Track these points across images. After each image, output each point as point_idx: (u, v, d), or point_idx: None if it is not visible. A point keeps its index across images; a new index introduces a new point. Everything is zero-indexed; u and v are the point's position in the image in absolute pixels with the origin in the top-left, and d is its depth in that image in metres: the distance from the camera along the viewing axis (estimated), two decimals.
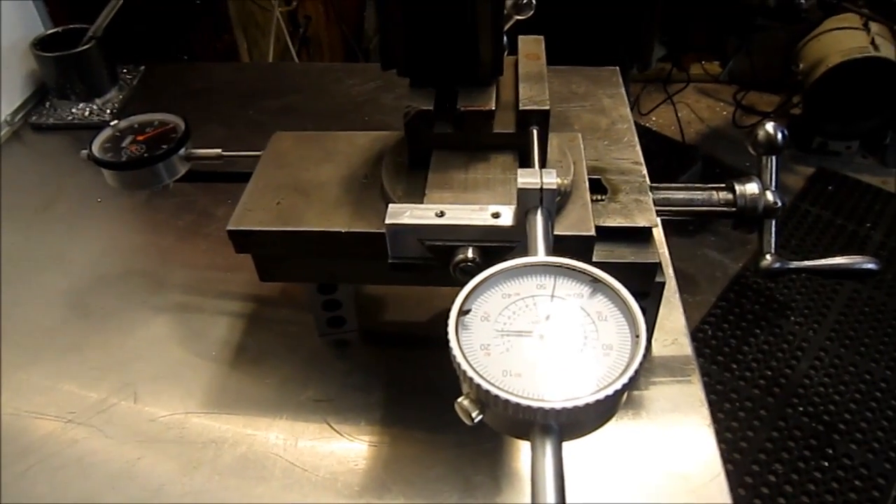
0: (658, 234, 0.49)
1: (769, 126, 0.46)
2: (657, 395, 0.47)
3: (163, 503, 0.42)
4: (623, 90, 0.78)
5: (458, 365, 0.25)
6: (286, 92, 0.80)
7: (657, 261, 0.43)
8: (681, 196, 0.46)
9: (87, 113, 0.74)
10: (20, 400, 0.49)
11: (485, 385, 0.24)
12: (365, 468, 0.44)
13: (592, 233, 0.42)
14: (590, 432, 0.26)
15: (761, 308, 1.95)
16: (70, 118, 0.74)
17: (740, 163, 2.30)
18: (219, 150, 0.53)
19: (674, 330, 0.52)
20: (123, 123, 0.54)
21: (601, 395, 0.24)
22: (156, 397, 0.49)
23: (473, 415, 0.25)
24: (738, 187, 0.45)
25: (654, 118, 2.41)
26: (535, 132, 0.41)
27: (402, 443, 0.45)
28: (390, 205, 0.37)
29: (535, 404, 0.24)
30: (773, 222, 0.46)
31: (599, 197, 0.47)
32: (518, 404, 0.24)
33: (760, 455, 1.56)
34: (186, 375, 0.50)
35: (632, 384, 0.24)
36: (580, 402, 0.24)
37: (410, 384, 0.49)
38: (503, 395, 0.24)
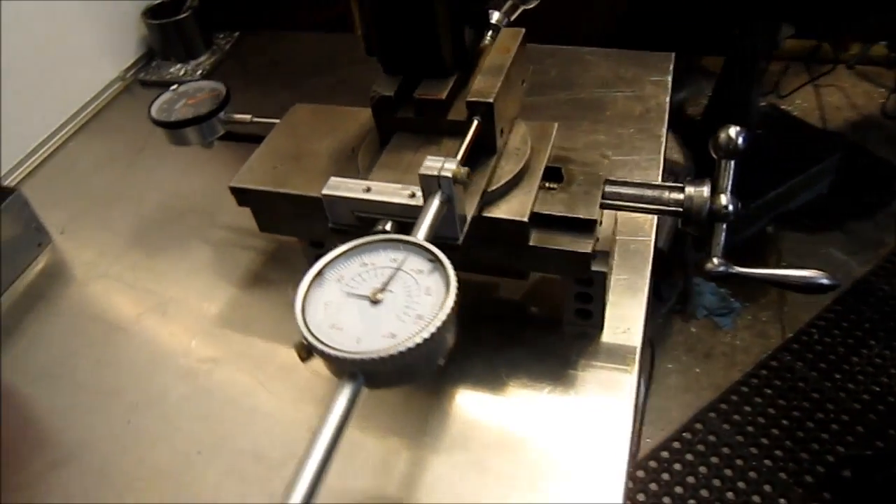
0: (611, 225, 0.50)
1: (731, 130, 0.46)
2: (590, 378, 0.50)
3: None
4: (669, 77, 0.77)
5: (295, 315, 0.31)
6: (356, 62, 0.87)
7: (589, 251, 0.46)
8: (631, 192, 0.48)
9: (181, 73, 0.86)
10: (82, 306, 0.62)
11: (305, 332, 0.30)
12: None
13: (525, 219, 0.45)
14: (392, 385, 0.31)
15: (882, 318, 1.78)
16: (168, 77, 0.86)
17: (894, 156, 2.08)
18: (250, 116, 0.62)
19: (630, 319, 0.54)
20: (182, 88, 0.64)
21: (387, 354, 0.29)
22: (180, 314, 0.60)
23: (303, 355, 0.31)
24: (688, 189, 0.46)
25: (798, 101, 2.22)
26: (475, 122, 0.45)
27: None
28: (331, 178, 0.43)
29: (336, 353, 0.29)
30: (724, 226, 0.46)
31: (553, 185, 0.50)
32: (322, 351, 0.30)
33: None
34: (211, 297, 0.60)
35: (413, 353, 0.29)
36: (369, 357, 0.29)
37: None
38: (315, 343, 0.30)
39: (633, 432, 0.47)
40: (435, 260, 0.33)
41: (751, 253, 1.90)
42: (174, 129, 0.60)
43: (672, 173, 1.42)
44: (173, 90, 0.63)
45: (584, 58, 0.82)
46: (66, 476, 0.49)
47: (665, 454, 1.68)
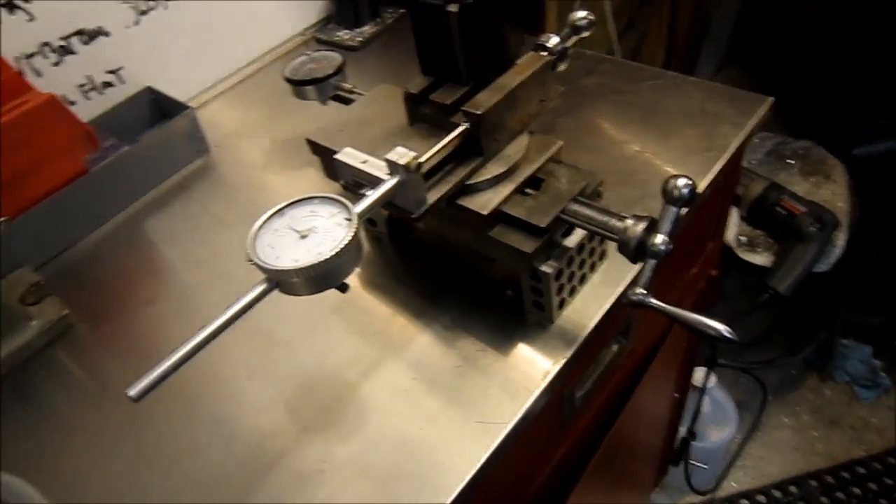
0: (579, 236, 0.58)
1: (680, 181, 0.51)
2: (515, 353, 0.60)
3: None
4: (752, 122, 0.78)
5: (248, 236, 0.46)
6: None
7: (530, 252, 0.54)
8: (586, 213, 0.55)
9: (346, 38, 1.05)
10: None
11: (248, 244, 0.45)
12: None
13: (485, 213, 0.55)
14: (298, 294, 0.45)
15: None
16: (336, 39, 1.05)
17: None
18: (352, 86, 0.77)
19: (588, 314, 0.61)
20: (317, 55, 0.81)
21: (282, 269, 0.43)
22: None
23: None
24: (628, 222, 0.52)
25: None
26: (460, 128, 0.55)
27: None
28: (346, 147, 0.57)
29: (256, 262, 0.44)
30: (654, 263, 0.52)
31: (531, 192, 0.58)
32: (250, 258, 0.44)
33: None
34: None
35: (302, 273, 0.42)
36: (272, 268, 0.43)
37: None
38: (250, 252, 0.45)
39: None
40: (350, 217, 0.46)
41: None
42: (295, 85, 0.78)
43: (824, 223, 1.32)
44: (307, 55, 0.81)
45: (682, 85, 0.85)
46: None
47: (744, 502, 1.62)
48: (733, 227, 1.39)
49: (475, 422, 0.56)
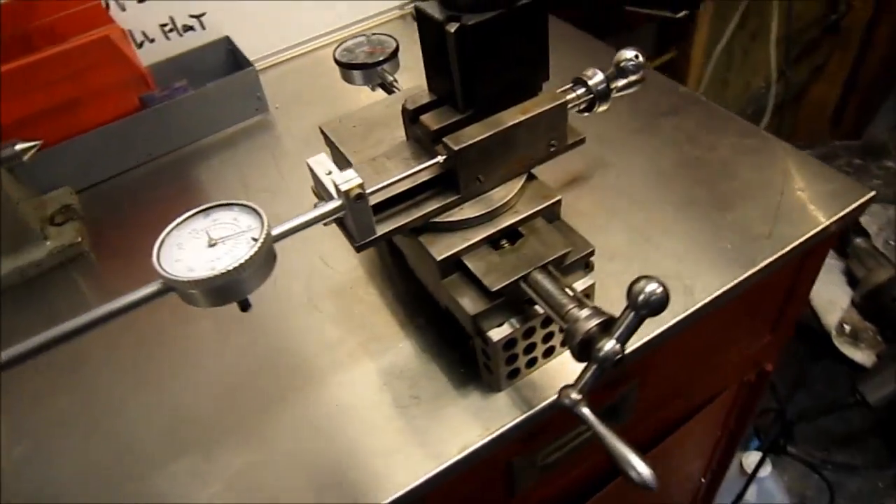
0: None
1: (649, 285, 0.43)
2: (455, 407, 0.55)
3: None
4: (838, 215, 0.65)
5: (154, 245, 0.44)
6: None
7: (471, 313, 0.49)
8: (546, 286, 0.48)
9: None
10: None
11: (157, 241, 0.43)
12: None
13: (437, 258, 0.50)
14: (195, 305, 0.43)
15: None
16: None
17: None
18: (394, 78, 0.73)
19: (542, 395, 0.55)
20: (374, 38, 0.78)
21: (175, 280, 0.40)
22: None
23: None
24: (583, 312, 0.45)
25: None
26: (435, 160, 0.50)
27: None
28: (320, 154, 0.53)
29: (155, 263, 0.42)
30: (598, 368, 0.44)
31: (506, 244, 0.52)
32: (157, 271, 0.42)
33: None
34: None
35: (196, 285, 0.40)
36: (168, 277, 0.41)
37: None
38: (153, 256, 0.43)
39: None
40: (258, 238, 0.42)
41: None
42: (341, 67, 0.75)
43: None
44: (365, 36, 0.77)
45: (771, 150, 0.73)
46: None
47: None
48: (838, 311, 1.20)
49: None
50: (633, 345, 0.58)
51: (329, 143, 0.64)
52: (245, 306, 0.45)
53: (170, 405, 0.60)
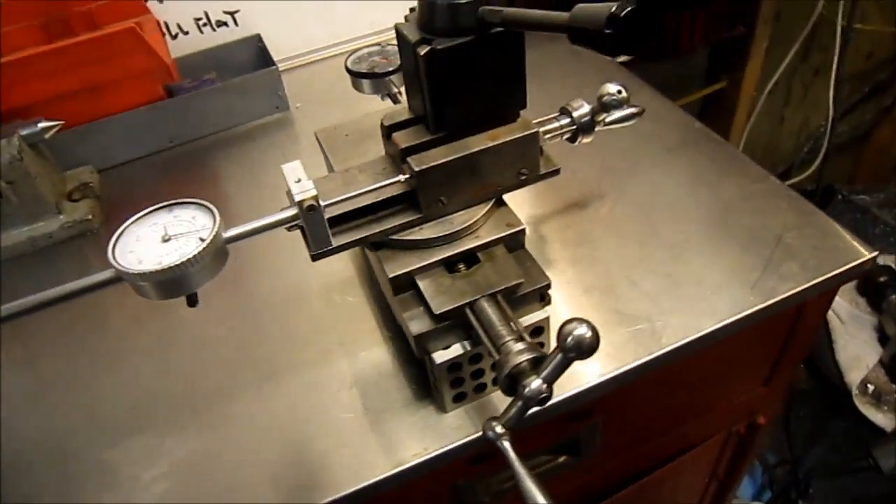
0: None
1: (578, 329, 0.42)
2: (402, 419, 0.55)
3: None
4: (829, 274, 0.62)
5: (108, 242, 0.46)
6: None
7: (414, 333, 0.49)
8: (489, 315, 0.48)
9: None
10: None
11: (109, 246, 0.46)
12: None
13: (389, 275, 0.51)
14: (145, 297, 0.45)
15: None
16: None
17: None
18: (399, 90, 0.74)
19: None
20: (389, 48, 0.79)
21: (125, 273, 0.43)
22: None
23: None
24: (517, 346, 0.45)
25: None
26: (397, 178, 0.50)
27: None
28: (295, 161, 0.55)
29: (116, 265, 0.44)
30: (522, 404, 0.44)
31: (462, 268, 0.52)
32: (111, 264, 0.44)
33: None
34: None
35: (143, 277, 0.42)
36: (120, 269, 0.43)
37: None
38: (109, 248, 0.45)
39: None
40: (205, 239, 0.44)
41: None
42: (351, 76, 0.76)
43: None
44: (379, 45, 0.79)
45: (777, 198, 0.70)
46: None
47: None
48: (863, 369, 1.14)
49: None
50: (589, 383, 0.57)
51: (321, 149, 0.66)
52: (192, 301, 0.47)
53: (140, 385, 0.62)
